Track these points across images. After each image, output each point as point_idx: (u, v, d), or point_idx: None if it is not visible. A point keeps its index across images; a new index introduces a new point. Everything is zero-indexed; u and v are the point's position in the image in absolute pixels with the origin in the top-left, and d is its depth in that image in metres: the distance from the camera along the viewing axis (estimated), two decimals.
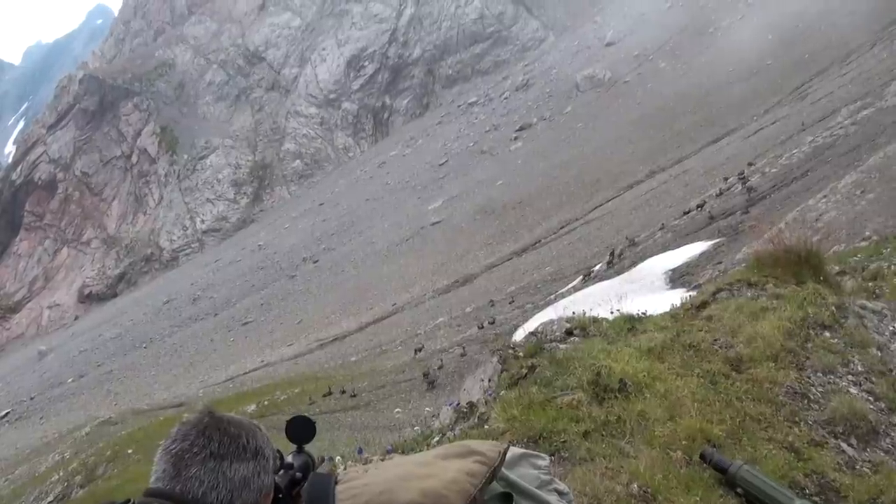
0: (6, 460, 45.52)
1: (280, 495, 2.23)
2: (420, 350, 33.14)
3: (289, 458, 2.43)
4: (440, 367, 27.72)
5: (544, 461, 2.79)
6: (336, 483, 2.36)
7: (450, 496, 2.22)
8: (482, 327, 33.04)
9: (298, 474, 2.35)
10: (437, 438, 6.35)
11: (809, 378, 5.89)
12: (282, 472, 2.30)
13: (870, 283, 8.74)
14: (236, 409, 29.41)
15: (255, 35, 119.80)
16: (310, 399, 30.27)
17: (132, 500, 1.90)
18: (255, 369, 48.32)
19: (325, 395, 30.14)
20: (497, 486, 2.48)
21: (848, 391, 5.74)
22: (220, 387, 45.85)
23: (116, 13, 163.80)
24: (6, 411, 64.51)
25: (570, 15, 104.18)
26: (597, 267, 34.17)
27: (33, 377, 74.37)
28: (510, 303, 37.32)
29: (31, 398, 66.56)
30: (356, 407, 27.72)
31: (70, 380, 68.12)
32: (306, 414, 2.62)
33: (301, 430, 2.53)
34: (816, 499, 4.67)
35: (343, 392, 29.71)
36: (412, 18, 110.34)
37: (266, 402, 31.84)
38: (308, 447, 2.55)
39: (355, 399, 28.60)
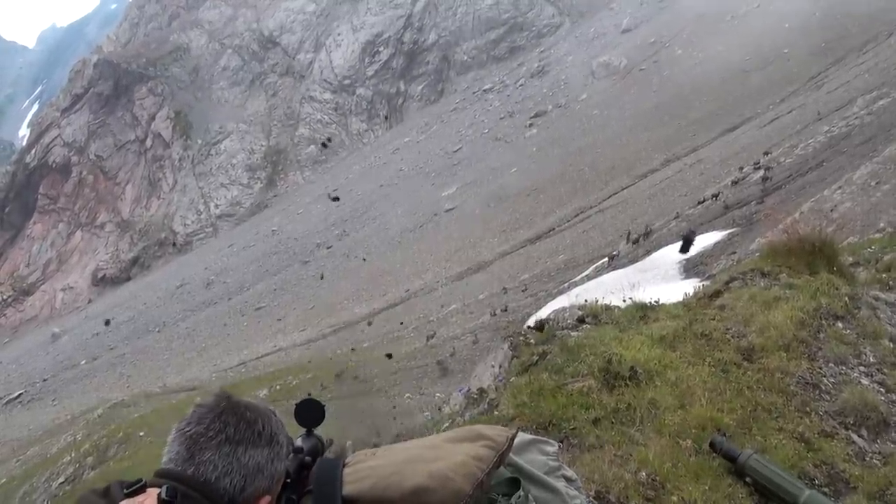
0: (19, 441, 45.88)
1: (288, 480, 2.24)
2: (432, 337, 33.20)
3: (298, 442, 2.42)
4: (452, 354, 27.80)
5: (553, 447, 2.79)
6: (344, 465, 2.36)
7: (457, 479, 2.21)
8: (495, 314, 33.05)
9: (307, 458, 2.34)
10: (446, 424, 6.37)
11: (821, 368, 5.87)
12: (291, 455, 2.30)
13: (884, 275, 8.68)
14: (249, 393, 29.52)
15: (269, 20, 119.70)
16: (321, 384, 30.39)
17: (144, 481, 1.91)
18: (268, 354, 48.50)
19: (338, 375, 30.28)
20: (505, 472, 2.48)
21: (860, 382, 5.72)
22: (233, 371, 46.06)
23: None
24: (19, 392, 64.96)
25: (587, 1, 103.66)
26: (620, 246, 34.16)
27: (46, 359, 74.79)
28: (523, 290, 37.31)
29: (44, 380, 67.01)
30: (367, 392, 27.81)
31: (83, 362, 68.53)
32: (315, 397, 2.60)
33: (310, 412, 2.51)
34: (826, 489, 4.67)
35: (355, 377, 29.81)
36: (427, 4, 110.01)
37: (278, 387, 31.99)
38: (317, 431, 2.54)
39: (367, 385, 28.68)
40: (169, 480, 1.90)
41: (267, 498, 2.05)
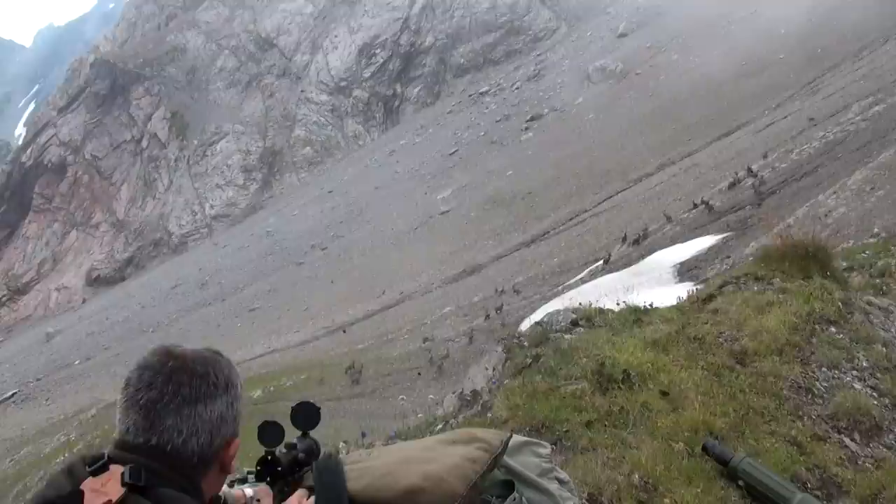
0: (12, 441, 45.73)
1: (279, 468, 2.24)
2: (427, 339, 33.16)
3: (293, 441, 2.42)
4: (446, 356, 27.77)
5: (546, 450, 2.80)
6: None
7: (451, 481, 2.22)
8: (489, 317, 33.05)
9: (301, 455, 2.35)
10: (440, 426, 6.38)
11: (814, 373, 5.89)
12: (285, 451, 2.30)
13: (877, 280, 8.72)
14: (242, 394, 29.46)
15: (266, 21, 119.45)
16: (318, 382, 30.39)
17: (106, 456, 1.82)
18: (262, 355, 48.38)
19: (332, 376, 30.25)
20: (498, 474, 2.49)
21: (852, 386, 5.74)
22: None
23: None
24: (13, 392, 64.79)
25: (583, 6, 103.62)
26: (615, 250, 34.18)
27: (40, 359, 74.55)
28: (517, 293, 37.30)
29: (38, 379, 66.82)
30: (361, 394, 27.79)
31: (77, 362, 68.38)
32: (311, 401, 2.61)
33: (306, 416, 2.50)
34: (818, 493, 4.68)
35: (350, 379, 29.81)
36: (425, 6, 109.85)
37: (272, 388, 31.92)
38: (313, 433, 2.55)
39: (361, 386, 28.67)
40: (131, 454, 1.85)
41: (237, 440, 2.01)
